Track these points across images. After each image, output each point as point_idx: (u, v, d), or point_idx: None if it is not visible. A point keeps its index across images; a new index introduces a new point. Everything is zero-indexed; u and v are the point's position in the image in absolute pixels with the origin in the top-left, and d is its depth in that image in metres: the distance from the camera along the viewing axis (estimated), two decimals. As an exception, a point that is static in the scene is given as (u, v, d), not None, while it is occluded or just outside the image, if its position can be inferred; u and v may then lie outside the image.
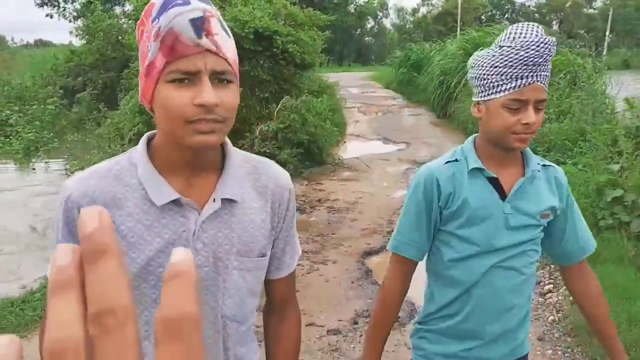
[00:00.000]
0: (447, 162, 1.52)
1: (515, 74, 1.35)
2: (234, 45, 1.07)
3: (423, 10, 64.63)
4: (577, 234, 1.58)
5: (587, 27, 51.36)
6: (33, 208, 7.04)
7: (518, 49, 1.34)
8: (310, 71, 11.41)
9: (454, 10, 40.79)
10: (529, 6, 75.34)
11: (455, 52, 14.58)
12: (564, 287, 4.13)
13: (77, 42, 19.29)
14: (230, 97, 1.05)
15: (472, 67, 1.48)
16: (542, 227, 1.53)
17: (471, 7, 50.22)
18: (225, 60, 1.01)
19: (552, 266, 4.57)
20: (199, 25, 0.96)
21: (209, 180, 1.14)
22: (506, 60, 1.36)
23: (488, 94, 1.41)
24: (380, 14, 70.45)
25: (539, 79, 1.34)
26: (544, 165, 1.55)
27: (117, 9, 29.36)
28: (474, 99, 1.50)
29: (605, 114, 7.68)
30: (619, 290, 3.72)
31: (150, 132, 1.19)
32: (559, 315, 3.78)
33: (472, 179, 1.48)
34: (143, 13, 1.04)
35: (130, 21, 16.34)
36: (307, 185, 8.04)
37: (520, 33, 1.36)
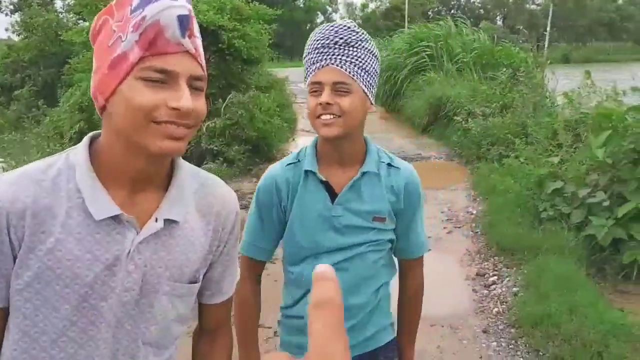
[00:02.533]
0: (287, 165, 1.52)
1: (312, 59, 1.41)
2: None
3: (372, 5, 65.22)
4: (408, 236, 1.57)
5: (529, 22, 52.94)
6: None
7: (311, 37, 1.44)
8: (258, 66, 11.29)
9: (402, 6, 41.25)
10: (473, 2, 77.15)
11: (402, 47, 14.72)
12: (508, 279, 4.22)
13: (16, 38, 18.50)
14: (202, 105, 0.99)
15: None
16: (378, 230, 1.50)
17: (418, 3, 50.96)
18: (201, 66, 0.99)
19: (496, 258, 4.65)
20: (185, 23, 0.92)
21: (153, 196, 1.04)
22: (307, 49, 1.44)
23: (305, 84, 1.46)
24: (330, 9, 70.69)
25: (332, 61, 1.38)
26: (389, 164, 1.52)
27: (58, 3, 28.30)
28: None
29: (546, 107, 7.90)
30: (560, 280, 3.80)
31: (95, 132, 1.06)
32: (503, 306, 3.84)
33: (306, 181, 1.48)
34: (115, 1, 0.95)
35: (71, 15, 15.78)
36: (255, 182, 7.87)
37: (319, 27, 1.46)
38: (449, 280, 4.39)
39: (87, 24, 9.96)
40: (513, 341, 3.40)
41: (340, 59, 1.38)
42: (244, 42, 9.16)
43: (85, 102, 9.57)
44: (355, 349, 1.51)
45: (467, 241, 5.17)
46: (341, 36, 1.39)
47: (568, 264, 4.06)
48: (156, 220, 1.02)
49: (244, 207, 6.53)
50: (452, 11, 60.87)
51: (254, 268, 1.59)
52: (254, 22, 9.77)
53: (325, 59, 1.38)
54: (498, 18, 73.21)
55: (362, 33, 1.44)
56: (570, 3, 61.71)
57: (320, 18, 66.79)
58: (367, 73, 1.42)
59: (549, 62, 10.03)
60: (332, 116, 1.38)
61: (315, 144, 1.51)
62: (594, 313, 3.38)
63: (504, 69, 9.97)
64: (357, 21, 65.42)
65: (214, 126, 8.54)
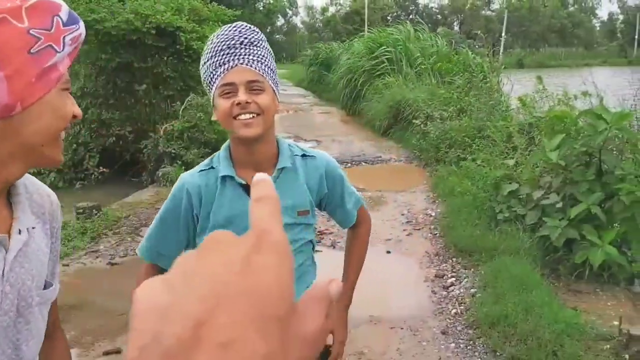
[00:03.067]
0: (200, 171, 1.50)
1: (218, 61, 1.39)
2: None
3: (332, 9, 65.53)
4: (344, 208, 1.65)
5: (485, 28, 54.16)
6: None
7: (213, 39, 1.43)
8: (217, 69, 11.17)
9: (362, 10, 41.60)
10: (431, 8, 78.49)
11: (361, 51, 14.83)
12: (466, 280, 4.27)
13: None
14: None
15: None
16: (304, 227, 1.53)
17: (377, 7, 51.50)
18: None
19: (455, 259, 4.71)
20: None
21: (3, 206, 0.99)
22: (208, 53, 1.42)
23: (210, 91, 1.43)
24: (290, 12, 70.66)
25: (241, 61, 1.37)
26: (303, 155, 1.55)
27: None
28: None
29: (501, 111, 8.07)
30: (516, 281, 3.87)
31: None
32: (461, 307, 3.89)
33: (223, 187, 1.46)
34: (25, 4, 0.88)
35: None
36: (215, 185, 7.83)
37: (219, 30, 1.46)
38: (408, 282, 4.41)
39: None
40: (471, 342, 3.44)
41: (249, 58, 1.38)
42: (203, 44, 9.04)
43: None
44: None
45: (426, 243, 5.22)
46: (245, 36, 1.40)
47: (523, 265, 4.14)
48: (19, 232, 0.98)
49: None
50: (411, 16, 61.71)
51: (151, 273, 1.52)
52: (212, 24, 9.66)
53: (234, 59, 1.38)
54: (455, 24, 74.65)
55: (261, 33, 1.46)
56: (523, 10, 63.42)
57: (280, 21, 66.74)
58: (272, 71, 1.44)
59: (503, 67, 10.27)
60: (251, 115, 1.37)
61: (229, 149, 1.50)
62: (548, 313, 3.45)
63: (461, 74, 10.15)
64: (317, 25, 65.59)
65: (172, 129, 8.40)
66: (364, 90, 13.45)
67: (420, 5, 76.46)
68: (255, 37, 1.42)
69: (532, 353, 3.15)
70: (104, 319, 3.82)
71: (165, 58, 8.98)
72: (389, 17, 52.72)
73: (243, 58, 1.38)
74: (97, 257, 5.01)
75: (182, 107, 8.72)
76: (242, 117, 1.37)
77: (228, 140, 1.53)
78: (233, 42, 1.38)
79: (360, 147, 10.42)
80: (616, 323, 3.42)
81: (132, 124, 8.91)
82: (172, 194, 1.50)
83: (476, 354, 3.32)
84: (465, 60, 12.03)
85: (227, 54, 1.38)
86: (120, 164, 8.99)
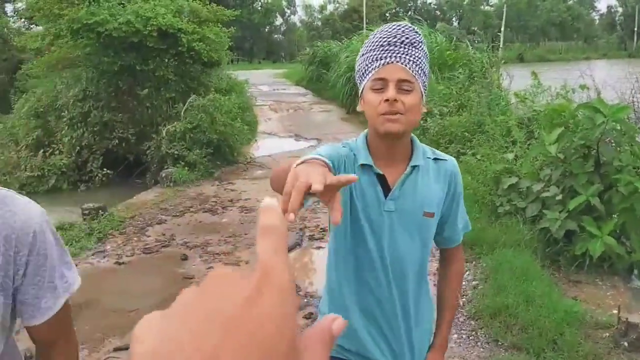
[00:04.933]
0: (344, 147, 1.51)
1: (375, 56, 1.41)
2: None
3: (330, 7, 65.49)
4: (455, 223, 1.61)
5: (484, 23, 54.15)
6: None
7: (375, 34, 1.45)
8: (217, 69, 11.24)
9: (360, 8, 41.60)
10: (430, 3, 78.39)
11: (360, 48, 14.86)
12: (468, 273, 4.34)
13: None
14: None
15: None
16: (427, 228, 1.51)
17: (376, 5, 51.49)
18: None
19: (457, 253, 4.77)
20: None
21: None
22: (367, 46, 1.45)
23: (361, 82, 1.45)
24: (289, 11, 70.63)
25: (397, 59, 1.39)
26: (435, 158, 1.54)
27: (9, 7, 27.45)
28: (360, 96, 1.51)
29: (501, 106, 8.12)
30: (517, 272, 3.95)
31: None
32: (463, 299, 3.95)
33: (359, 174, 1.45)
34: None
35: (23, 20, 15.37)
36: (218, 185, 7.90)
37: (384, 26, 1.47)
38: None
39: (40, 29, 9.73)
40: (473, 332, 3.51)
41: (405, 57, 1.39)
42: (204, 45, 9.12)
43: (40, 108, 9.35)
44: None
45: (428, 238, 5.28)
46: (407, 36, 1.41)
47: (524, 257, 4.21)
48: None
49: (208, 211, 6.43)
50: (409, 13, 61.69)
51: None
52: (212, 25, 9.73)
53: (391, 56, 1.39)
54: (454, 19, 74.58)
55: (422, 35, 1.47)
56: (522, 4, 63.35)
57: (279, 20, 66.73)
58: (424, 74, 1.44)
59: (503, 61, 10.30)
60: (397, 113, 1.38)
61: (366, 139, 1.50)
62: (549, 303, 3.53)
63: (461, 70, 10.19)
64: (315, 23, 65.61)
65: (174, 130, 8.48)
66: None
67: (418, 2, 76.38)
68: (416, 38, 1.43)
69: (532, 342, 3.23)
70: (113, 317, 3.89)
71: (166, 60, 9.05)
72: (387, 15, 52.71)
73: (399, 57, 1.39)
74: (104, 257, 5.09)
75: (184, 108, 8.80)
76: (389, 114, 1.38)
77: (366, 130, 1.52)
78: (394, 39, 1.40)
79: (362, 145, 10.45)
80: (615, 312, 3.49)
81: (135, 126, 9.00)
82: (331, 144, 1.49)
83: (478, 344, 3.39)
84: (464, 55, 12.08)
85: (386, 50, 1.40)
86: (124, 166, 9.07)
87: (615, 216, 4.17)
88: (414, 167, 1.47)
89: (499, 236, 4.62)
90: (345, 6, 58.32)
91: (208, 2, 10.03)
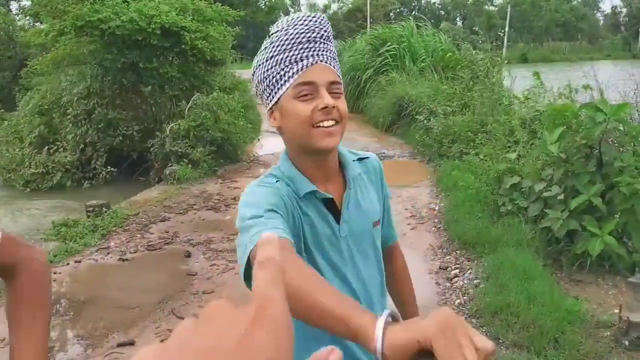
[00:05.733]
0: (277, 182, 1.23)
1: (294, 56, 1.15)
2: None
3: (334, 7, 65.52)
4: (390, 221, 1.48)
5: (488, 23, 54.10)
6: None
7: (286, 29, 1.17)
8: (221, 67, 11.27)
9: (364, 7, 41.58)
10: (434, 3, 78.32)
11: (364, 48, 14.89)
12: (470, 272, 4.35)
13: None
14: None
15: (252, 76, 1.26)
16: (376, 239, 1.35)
17: (380, 4, 51.43)
18: None
19: (458, 252, 4.79)
20: None
21: None
22: (279, 46, 1.16)
23: (275, 92, 1.18)
24: (293, 10, 70.62)
25: (321, 58, 1.16)
26: (359, 159, 1.36)
27: (14, 5, 27.58)
28: (267, 110, 1.25)
29: (504, 106, 8.13)
30: (519, 271, 3.96)
31: None
32: (465, 298, 3.97)
33: (301, 205, 1.21)
34: None
35: (27, 18, 15.43)
36: (221, 183, 7.94)
37: (287, 18, 1.22)
38: (413, 274, 4.44)
39: (44, 25, 9.76)
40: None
41: (328, 55, 1.17)
42: (207, 44, 9.14)
43: (45, 105, 9.39)
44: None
45: (430, 236, 5.31)
46: (325, 29, 1.18)
47: (526, 256, 4.22)
48: None
49: (211, 209, 6.45)
50: (414, 12, 61.66)
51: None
52: (217, 24, 9.76)
53: (314, 55, 1.15)
54: (458, 19, 74.50)
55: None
56: (526, 4, 63.22)
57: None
58: (341, 73, 1.24)
59: (506, 62, 10.31)
60: (333, 122, 1.15)
61: (291, 162, 1.25)
62: (550, 301, 3.54)
63: (465, 70, 10.20)
64: (320, 22, 65.85)
65: (178, 128, 8.51)
66: (367, 87, 13.52)
67: (422, 1, 76.31)
68: (330, 30, 1.21)
69: (534, 340, 3.24)
70: (117, 313, 3.92)
71: (170, 58, 9.08)
72: (391, 14, 52.68)
73: (323, 54, 1.16)
74: (108, 254, 5.12)
75: (188, 106, 8.82)
76: (325, 124, 1.14)
77: (283, 154, 1.28)
78: (314, 35, 1.16)
79: (364, 144, 10.49)
80: (616, 311, 3.50)
81: (139, 123, 9.03)
82: (263, 184, 1.21)
83: (479, 342, 3.40)
84: (468, 55, 12.10)
85: (307, 48, 1.15)
86: (128, 163, 9.11)
87: (617, 216, 4.18)
88: (352, 178, 1.28)
89: (501, 235, 4.63)
90: (350, 5, 58.30)
91: (213, 2, 10.05)
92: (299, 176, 1.22)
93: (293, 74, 1.14)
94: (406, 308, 1.54)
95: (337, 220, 1.23)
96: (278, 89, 1.17)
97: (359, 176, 1.30)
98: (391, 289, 1.51)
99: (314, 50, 1.15)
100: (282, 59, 1.15)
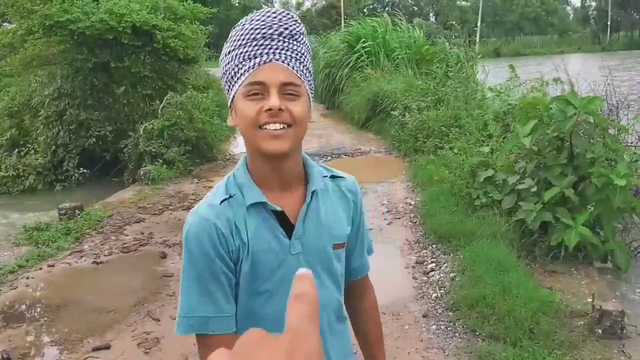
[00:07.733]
0: (222, 202, 1.17)
1: (248, 53, 1.10)
2: None
3: (308, 4, 65.43)
4: (363, 250, 1.38)
5: (460, 18, 54.53)
6: None
7: (244, 24, 1.13)
8: (195, 66, 11.17)
9: (338, 4, 41.60)
10: (407, -1, 78.67)
11: (339, 44, 14.90)
12: (446, 265, 4.39)
13: None
14: None
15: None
16: (337, 261, 1.26)
17: (354, 0, 51.52)
18: None
19: (434, 246, 4.83)
20: None
21: None
22: (236, 41, 1.12)
23: (231, 88, 1.14)
24: (267, 8, 70.30)
25: (277, 57, 1.10)
26: (333, 176, 1.28)
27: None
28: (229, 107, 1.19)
29: (477, 100, 8.21)
30: (493, 264, 4.00)
31: None
32: (442, 291, 4.00)
33: (250, 217, 1.15)
34: None
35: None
36: (197, 183, 7.87)
37: (254, 14, 1.16)
38: (390, 269, 4.52)
39: (12, 26, 9.54)
40: (451, 323, 3.56)
41: (286, 54, 1.11)
42: (180, 42, 9.05)
43: (15, 107, 9.19)
44: None
45: (407, 231, 5.34)
46: (286, 26, 1.12)
47: (500, 248, 4.27)
48: None
49: (187, 209, 6.39)
50: (387, 8, 61.85)
51: (217, 345, 1.07)
52: (189, 22, 9.66)
53: (268, 52, 1.09)
54: (431, 14, 75.01)
55: (302, 25, 1.18)
56: (498, -1, 63.97)
57: (257, 16, 66.16)
58: (310, 73, 1.18)
59: (479, 56, 10.42)
60: (281, 126, 1.08)
61: (246, 166, 1.19)
62: (525, 293, 3.58)
63: (438, 65, 10.28)
64: (294, 19, 65.71)
65: (152, 128, 8.40)
66: (343, 84, 13.53)
67: (396, -3, 76.61)
68: (297, 29, 1.13)
69: (509, 331, 3.28)
70: (92, 317, 3.86)
71: (142, 57, 8.96)
72: (365, 10, 52.81)
73: (280, 53, 1.10)
74: (82, 257, 5.03)
75: (161, 105, 8.72)
76: (270, 127, 1.08)
77: (243, 157, 1.22)
78: (270, 31, 1.10)
79: (340, 140, 10.51)
80: (590, 300, 3.56)
81: (112, 124, 8.90)
82: (196, 240, 1.13)
83: (456, 334, 3.43)
84: (441, 51, 12.19)
85: (261, 45, 1.10)
86: (101, 165, 8.97)
87: (591, 207, 4.25)
88: (314, 192, 1.19)
89: (475, 228, 4.68)
90: (323, 2, 58.28)
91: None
92: (249, 184, 1.16)
93: (245, 71, 1.10)
94: (373, 352, 1.45)
95: (290, 235, 1.16)
96: (233, 85, 1.13)
97: (324, 191, 1.22)
98: (357, 329, 1.44)
99: (269, 48, 1.10)
100: (237, 54, 1.11)
